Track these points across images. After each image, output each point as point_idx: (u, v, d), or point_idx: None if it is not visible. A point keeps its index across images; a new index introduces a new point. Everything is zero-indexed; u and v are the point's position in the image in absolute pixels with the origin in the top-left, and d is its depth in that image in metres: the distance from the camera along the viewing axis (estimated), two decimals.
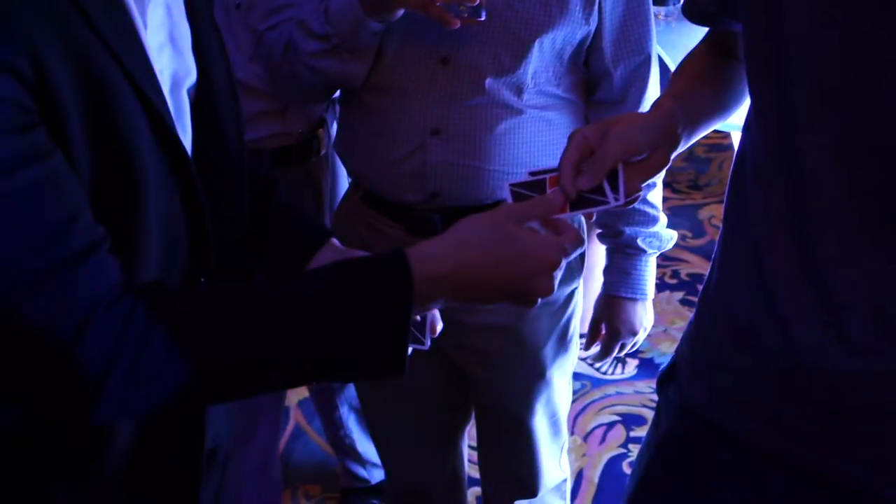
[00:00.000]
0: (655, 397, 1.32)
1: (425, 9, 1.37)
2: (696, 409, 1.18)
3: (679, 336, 1.27)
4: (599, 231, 1.71)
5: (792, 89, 0.99)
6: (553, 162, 1.08)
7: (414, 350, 1.07)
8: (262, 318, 0.90)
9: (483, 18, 1.40)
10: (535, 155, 1.55)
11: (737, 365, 1.12)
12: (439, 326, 1.12)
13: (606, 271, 1.71)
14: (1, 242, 0.80)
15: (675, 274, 3.45)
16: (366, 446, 2.32)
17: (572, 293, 1.70)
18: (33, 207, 0.81)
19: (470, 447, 1.99)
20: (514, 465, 1.84)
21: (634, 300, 1.68)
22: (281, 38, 1.57)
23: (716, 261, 1.18)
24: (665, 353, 2.98)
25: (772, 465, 1.11)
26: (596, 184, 1.04)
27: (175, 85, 1.00)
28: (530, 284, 0.95)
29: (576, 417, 2.74)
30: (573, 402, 1.95)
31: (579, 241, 0.98)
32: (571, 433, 2.64)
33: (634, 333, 1.71)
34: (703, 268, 3.40)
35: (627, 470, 2.53)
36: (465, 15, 1.38)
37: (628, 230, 1.65)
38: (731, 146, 4.05)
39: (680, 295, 3.32)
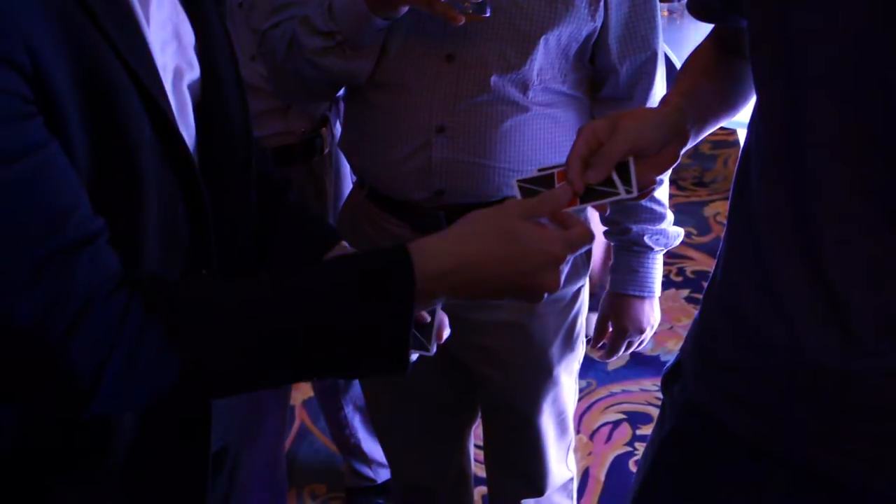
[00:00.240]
0: (661, 395, 1.31)
1: (430, 5, 1.36)
2: (701, 408, 1.18)
3: (685, 334, 1.27)
4: (606, 228, 1.70)
5: (799, 87, 0.98)
6: (559, 159, 1.08)
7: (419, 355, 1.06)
8: (262, 317, 0.89)
9: (488, 15, 1.39)
10: (540, 152, 1.54)
11: (741, 364, 1.12)
12: (446, 333, 1.11)
13: (613, 269, 1.71)
14: None
15: (681, 271, 3.44)
16: (371, 446, 2.32)
17: (579, 290, 1.70)
18: (32, 196, 0.81)
19: (476, 446, 1.99)
20: (520, 464, 1.83)
21: (642, 298, 1.68)
22: (284, 36, 1.56)
23: (720, 259, 1.17)
24: (671, 350, 2.97)
25: (776, 465, 1.11)
26: (604, 177, 1.03)
27: (177, 80, 1.00)
28: (535, 280, 0.94)
29: (581, 416, 2.73)
30: (579, 400, 1.95)
31: (587, 236, 0.97)
32: (577, 432, 2.63)
33: (642, 331, 1.71)
34: (709, 265, 3.40)
35: (634, 468, 2.52)
36: (470, 11, 1.37)
37: (635, 227, 1.65)
38: (736, 142, 4.05)
39: (685, 292, 3.32)
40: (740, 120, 1.33)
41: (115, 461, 1.00)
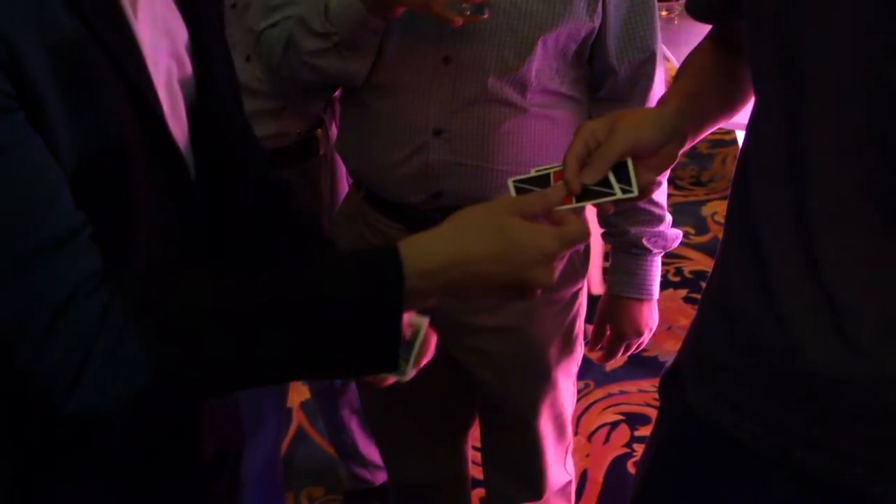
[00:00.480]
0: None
1: (427, 8, 1.35)
2: (698, 411, 1.18)
3: (682, 334, 1.26)
4: (604, 231, 1.70)
5: (799, 86, 0.98)
6: (557, 160, 1.07)
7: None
8: (248, 318, 0.88)
9: (486, 16, 1.39)
10: (538, 154, 1.53)
11: (739, 366, 1.11)
12: (425, 360, 1.10)
13: (611, 271, 1.71)
14: None
15: (679, 271, 3.44)
16: (368, 448, 2.31)
17: (577, 293, 1.69)
18: (13, 190, 0.81)
19: (474, 448, 1.98)
20: (518, 466, 1.83)
21: (640, 301, 1.67)
22: (281, 37, 1.55)
23: (718, 260, 1.17)
24: (669, 351, 2.97)
25: (773, 468, 1.10)
26: (600, 177, 1.03)
27: (169, 78, 0.99)
28: (527, 275, 0.93)
29: (579, 417, 2.73)
30: (576, 401, 1.94)
31: (581, 232, 0.96)
32: (575, 433, 2.63)
33: (640, 334, 1.71)
34: (707, 265, 3.40)
35: (632, 470, 2.52)
36: (468, 13, 1.36)
37: (633, 230, 1.64)
38: (734, 142, 4.05)
39: (683, 292, 3.32)
40: (738, 121, 1.32)
41: (105, 460, 0.99)
